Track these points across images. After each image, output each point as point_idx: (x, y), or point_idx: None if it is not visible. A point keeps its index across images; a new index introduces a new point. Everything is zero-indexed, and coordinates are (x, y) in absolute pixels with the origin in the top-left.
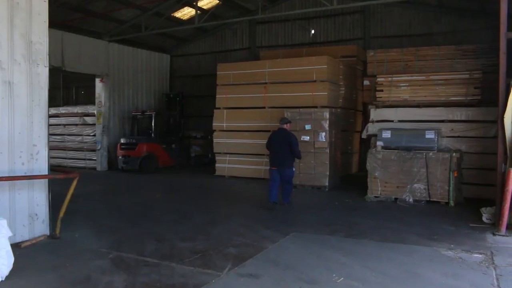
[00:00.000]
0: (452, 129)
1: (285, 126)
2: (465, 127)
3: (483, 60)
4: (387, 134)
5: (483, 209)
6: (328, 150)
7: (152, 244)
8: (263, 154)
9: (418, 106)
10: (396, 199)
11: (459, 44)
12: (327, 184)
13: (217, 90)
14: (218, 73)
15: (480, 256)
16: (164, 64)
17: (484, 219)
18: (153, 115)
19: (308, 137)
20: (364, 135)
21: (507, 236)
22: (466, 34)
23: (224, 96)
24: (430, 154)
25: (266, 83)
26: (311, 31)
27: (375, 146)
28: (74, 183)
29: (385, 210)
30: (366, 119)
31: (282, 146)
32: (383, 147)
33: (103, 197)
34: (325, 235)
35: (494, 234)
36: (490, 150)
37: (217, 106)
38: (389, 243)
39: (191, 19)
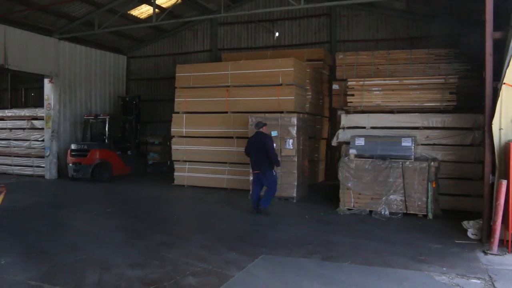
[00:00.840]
0: (428, 136)
1: (262, 129)
2: (441, 134)
3: (456, 65)
4: (360, 142)
5: (465, 223)
6: (296, 159)
7: (94, 273)
8: (225, 162)
9: (391, 111)
10: (371, 211)
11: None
12: (295, 195)
13: (176, 93)
14: (177, 75)
15: (479, 282)
16: (120, 65)
17: (469, 234)
18: (107, 119)
19: (275, 144)
20: (334, 143)
21: (500, 255)
22: (434, 39)
23: (184, 99)
24: (407, 163)
25: (228, 86)
26: (275, 34)
27: (346, 154)
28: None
29: (361, 225)
30: (333, 126)
31: (259, 150)
32: (356, 156)
33: (44, 212)
34: (300, 258)
35: (485, 253)
36: (467, 159)
37: (175, 110)
38: (374, 267)
39: (149, 18)
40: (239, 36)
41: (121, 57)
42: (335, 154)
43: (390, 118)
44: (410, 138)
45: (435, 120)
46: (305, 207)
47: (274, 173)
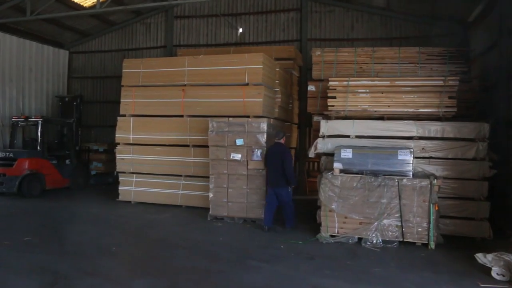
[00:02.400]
0: (423, 148)
1: (281, 140)
2: (439, 145)
3: (450, 66)
4: (347, 154)
5: (480, 256)
6: (265, 172)
7: None
8: (180, 175)
9: (381, 118)
10: (360, 239)
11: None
12: (263, 216)
13: (122, 93)
14: (124, 71)
15: None
16: (60, 61)
17: (494, 274)
18: (40, 122)
19: (240, 155)
20: (311, 154)
21: None
22: (416, 40)
23: (131, 100)
24: (404, 180)
25: (184, 85)
26: (238, 30)
27: (327, 168)
28: None
29: (353, 260)
30: (302, 134)
31: (276, 163)
32: (342, 171)
33: None
34: None
35: None
36: (469, 175)
37: (121, 112)
38: None
39: (94, 7)
40: (198, 31)
41: (62, 52)
42: (304, 166)
43: (380, 126)
44: (408, 151)
45: (433, 129)
46: (277, 231)
47: (290, 189)
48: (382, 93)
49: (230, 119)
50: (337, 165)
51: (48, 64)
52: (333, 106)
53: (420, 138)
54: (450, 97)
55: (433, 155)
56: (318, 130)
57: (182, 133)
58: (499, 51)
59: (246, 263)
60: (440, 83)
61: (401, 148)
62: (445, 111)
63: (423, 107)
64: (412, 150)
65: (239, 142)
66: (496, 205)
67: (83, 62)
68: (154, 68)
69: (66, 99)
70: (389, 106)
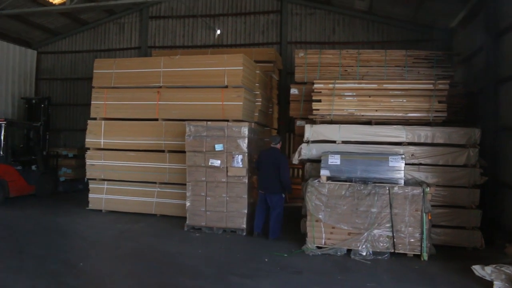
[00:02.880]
0: (413, 154)
1: (278, 145)
2: (429, 152)
3: (437, 70)
4: (335, 160)
5: (477, 269)
6: (246, 180)
7: None
8: (154, 182)
9: (368, 122)
10: (349, 250)
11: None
12: (244, 226)
13: (93, 95)
14: (95, 71)
15: None
16: (28, 61)
17: None
18: (4, 125)
19: (219, 161)
20: (295, 160)
21: None
22: (398, 45)
23: (103, 102)
24: (396, 188)
25: (160, 87)
26: (216, 31)
27: (311, 175)
28: None
29: (344, 274)
30: (283, 140)
31: (271, 169)
32: (329, 178)
33: None
34: None
35: None
36: (460, 183)
37: (92, 115)
38: None
39: (64, 4)
40: (174, 32)
41: (29, 52)
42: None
43: (367, 131)
44: (399, 157)
45: (423, 134)
46: (260, 242)
47: (284, 196)
48: (370, 96)
49: (209, 123)
50: (324, 172)
51: (14, 64)
52: (318, 110)
53: (410, 143)
54: (439, 102)
55: (422, 162)
56: (301, 135)
57: (157, 137)
58: (486, 55)
59: (229, 279)
60: (430, 86)
61: (391, 154)
62: (435, 116)
63: (413, 111)
64: (403, 156)
65: (219, 147)
66: (486, 214)
67: (52, 63)
68: (128, 68)
69: (33, 101)
70: (376, 110)
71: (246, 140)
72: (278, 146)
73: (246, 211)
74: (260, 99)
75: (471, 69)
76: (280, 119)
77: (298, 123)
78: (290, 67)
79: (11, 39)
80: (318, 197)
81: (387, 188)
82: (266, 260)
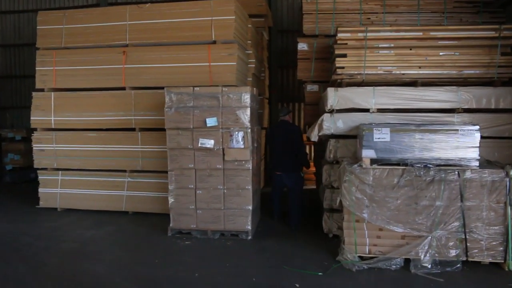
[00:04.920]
0: (471, 123)
1: (287, 117)
2: (492, 120)
3: (485, 17)
4: (382, 135)
5: None
6: (250, 165)
7: None
8: (124, 171)
9: (410, 83)
10: (407, 260)
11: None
12: (249, 227)
13: (38, 59)
14: (39, 27)
15: None
16: None
17: None
18: None
19: (212, 142)
20: (314, 137)
21: None
22: None
23: (51, 68)
24: (468, 173)
25: (126, 45)
26: None
27: (335, 158)
28: None
29: None
30: (275, 111)
31: (284, 145)
32: (374, 161)
33: None
34: None
35: None
36: None
37: (38, 85)
38: None
39: None
40: None
41: None
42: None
43: (411, 94)
44: (473, 128)
45: (484, 96)
46: (274, 252)
47: (302, 175)
48: (411, 49)
49: (197, 88)
50: (367, 153)
51: None
52: (342, 68)
53: (466, 110)
54: (502, 54)
55: (482, 134)
56: (314, 104)
57: (125, 112)
58: None
59: None
60: (493, 33)
61: (462, 126)
62: (500, 73)
63: (468, 67)
64: (478, 127)
65: (211, 122)
66: None
67: None
68: (83, 22)
69: None
70: (420, 67)
71: (249, 111)
72: (288, 118)
73: (251, 207)
74: (254, 60)
75: None
76: (272, 87)
77: (309, 87)
78: (281, 24)
79: None
80: (360, 188)
81: (457, 173)
82: (298, 286)
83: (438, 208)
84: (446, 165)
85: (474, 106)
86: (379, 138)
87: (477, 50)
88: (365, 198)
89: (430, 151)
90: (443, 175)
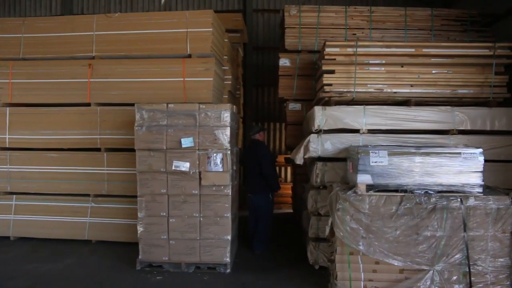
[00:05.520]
0: (466, 145)
1: (257, 136)
2: (488, 143)
3: (472, 35)
4: (380, 159)
5: None
6: (230, 191)
7: None
8: (87, 195)
9: (405, 103)
10: None
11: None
12: (228, 259)
13: None
14: None
15: None
16: None
17: None
18: None
19: (188, 164)
20: (299, 159)
21: None
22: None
23: (7, 81)
24: (472, 200)
25: (92, 57)
26: None
27: (321, 182)
28: None
29: None
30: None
31: (253, 165)
32: (369, 187)
33: None
34: None
35: None
36: None
37: None
38: None
39: None
40: None
41: None
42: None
43: (403, 114)
44: (476, 152)
45: (479, 117)
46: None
47: (271, 197)
48: (402, 66)
49: (171, 105)
50: (363, 179)
51: None
52: (330, 85)
53: (460, 132)
54: (497, 73)
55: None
56: (296, 124)
57: (90, 130)
58: None
59: None
60: (487, 51)
61: (464, 149)
62: (495, 93)
63: (462, 86)
64: (481, 151)
65: (187, 142)
66: None
67: None
68: (44, 32)
69: None
70: (411, 86)
71: (228, 131)
72: (259, 136)
73: (230, 237)
74: (230, 77)
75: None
76: (246, 106)
77: (291, 106)
78: (256, 41)
79: None
80: (355, 218)
81: (459, 200)
82: None
83: (440, 238)
84: (448, 192)
85: (468, 127)
86: (375, 162)
87: (470, 68)
88: (360, 228)
89: (431, 176)
90: (445, 203)
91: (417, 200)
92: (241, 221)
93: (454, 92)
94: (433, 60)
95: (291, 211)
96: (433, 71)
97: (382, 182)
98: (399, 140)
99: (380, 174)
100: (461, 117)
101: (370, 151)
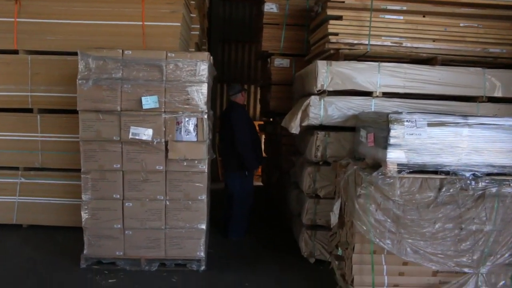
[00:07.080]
0: (496, 115)
1: (237, 98)
2: None
3: None
4: (418, 130)
5: None
6: (205, 166)
7: None
8: (16, 168)
9: (428, 60)
10: None
11: None
12: (202, 254)
13: None
14: None
15: None
16: None
17: None
18: None
19: (151, 131)
20: (295, 128)
21: None
22: None
23: None
24: None
25: None
26: None
27: (323, 157)
28: None
29: None
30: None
31: (226, 135)
32: (402, 166)
33: None
34: None
35: None
36: None
37: None
38: None
39: None
40: None
41: None
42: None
43: (427, 75)
44: None
45: None
46: None
47: (246, 174)
48: (424, 16)
49: (128, 52)
50: (394, 155)
51: None
52: (336, 35)
53: (490, 99)
54: None
55: None
56: (283, 84)
57: (17, 85)
58: None
59: None
60: None
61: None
62: None
63: (495, 44)
64: None
65: (149, 102)
66: None
67: None
68: None
69: None
70: (434, 41)
71: (205, 89)
72: (238, 99)
73: (204, 226)
74: (198, 27)
75: None
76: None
77: (278, 62)
78: None
79: None
80: (383, 207)
81: None
82: None
83: (489, 234)
84: (499, 174)
85: (500, 94)
86: (412, 134)
87: (506, 23)
88: (389, 220)
89: (480, 154)
90: (497, 188)
91: (462, 185)
92: (213, 197)
93: (485, 50)
94: (463, 10)
95: (261, 184)
96: (461, 24)
97: (419, 161)
98: (418, 107)
99: (414, 150)
100: (493, 81)
101: (405, 120)
